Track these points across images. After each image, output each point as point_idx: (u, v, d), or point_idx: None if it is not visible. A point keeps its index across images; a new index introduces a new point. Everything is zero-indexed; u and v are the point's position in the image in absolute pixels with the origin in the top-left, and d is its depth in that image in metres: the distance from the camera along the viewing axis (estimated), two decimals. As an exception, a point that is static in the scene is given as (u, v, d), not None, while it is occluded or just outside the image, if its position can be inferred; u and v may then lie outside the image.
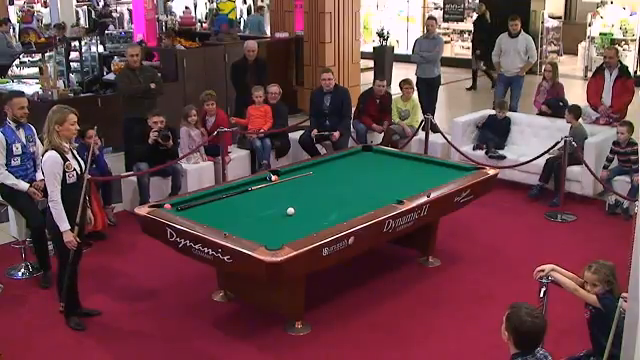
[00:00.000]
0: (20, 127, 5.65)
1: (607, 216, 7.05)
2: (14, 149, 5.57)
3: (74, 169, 4.67)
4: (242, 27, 16.62)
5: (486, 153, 7.94)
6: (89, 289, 5.60)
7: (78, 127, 4.78)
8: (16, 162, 5.60)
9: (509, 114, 8.48)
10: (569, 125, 7.48)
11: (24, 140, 5.65)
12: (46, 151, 4.60)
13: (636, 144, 6.92)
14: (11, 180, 5.54)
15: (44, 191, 5.18)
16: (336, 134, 8.02)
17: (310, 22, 11.36)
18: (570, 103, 8.31)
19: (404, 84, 8.74)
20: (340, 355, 4.58)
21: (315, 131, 8.11)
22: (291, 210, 4.99)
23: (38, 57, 12.36)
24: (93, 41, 11.90)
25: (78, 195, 4.65)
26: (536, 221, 6.97)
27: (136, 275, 5.79)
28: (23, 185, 5.57)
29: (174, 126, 7.43)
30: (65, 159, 4.61)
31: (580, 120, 7.59)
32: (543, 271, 3.72)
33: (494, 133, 8.21)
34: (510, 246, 6.34)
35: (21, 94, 6.10)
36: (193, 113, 7.57)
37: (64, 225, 4.60)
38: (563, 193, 7.08)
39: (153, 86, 7.77)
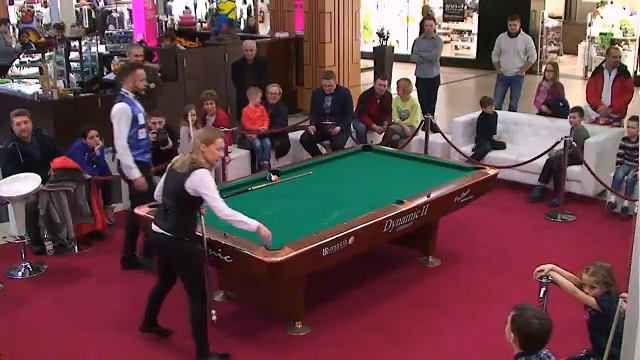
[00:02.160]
0: (135, 99, 5.57)
1: (607, 216, 7.05)
2: (140, 118, 5.49)
3: None
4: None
5: (474, 156, 7.94)
6: (89, 289, 5.61)
7: (222, 155, 4.42)
8: (143, 135, 5.56)
9: (507, 113, 8.48)
10: (570, 126, 7.47)
11: (144, 115, 5.64)
12: (195, 169, 4.11)
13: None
14: (129, 163, 5.45)
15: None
16: (337, 128, 8.02)
17: (310, 22, 11.36)
18: (570, 103, 8.32)
19: (397, 84, 8.74)
20: (340, 355, 4.58)
21: (314, 127, 8.12)
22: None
23: (38, 57, 12.35)
24: (93, 41, 11.88)
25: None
26: (536, 221, 6.97)
27: (136, 275, 5.78)
28: (136, 172, 5.48)
29: (174, 126, 7.43)
30: None
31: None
32: (542, 271, 3.72)
33: (488, 130, 8.20)
34: (510, 246, 6.33)
35: (140, 66, 5.97)
36: (193, 113, 7.56)
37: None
38: (563, 193, 7.08)
39: (152, 86, 7.77)
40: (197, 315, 4.32)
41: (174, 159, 4.37)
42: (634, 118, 7.02)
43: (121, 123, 5.42)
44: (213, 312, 4.45)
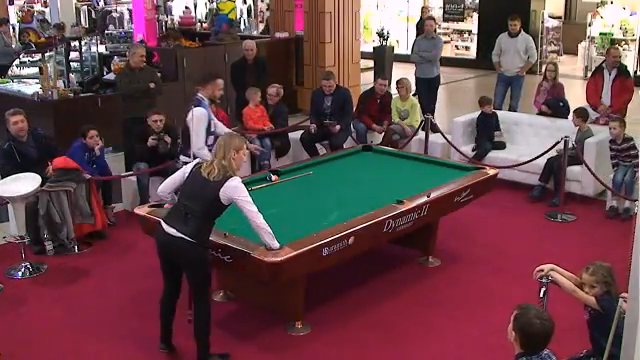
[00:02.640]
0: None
1: (607, 216, 7.05)
2: (211, 125, 5.79)
3: None
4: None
5: (475, 156, 7.95)
6: (89, 289, 5.61)
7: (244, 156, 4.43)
8: (210, 141, 5.72)
9: (507, 113, 8.47)
10: (572, 126, 7.45)
11: (213, 120, 5.87)
12: (229, 178, 4.12)
13: (632, 139, 6.91)
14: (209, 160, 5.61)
15: None
16: (337, 126, 8.03)
17: (310, 22, 11.36)
18: (570, 103, 8.32)
19: (397, 84, 8.75)
20: (340, 355, 4.58)
21: (314, 126, 8.12)
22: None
23: (38, 57, 12.36)
24: (93, 41, 11.88)
25: None
26: (536, 221, 6.97)
27: (136, 275, 5.79)
28: None
29: (174, 125, 7.43)
30: None
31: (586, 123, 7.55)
32: (542, 271, 3.72)
33: (487, 130, 8.20)
34: (510, 246, 6.33)
35: (220, 76, 6.14)
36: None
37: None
38: (563, 193, 7.08)
39: (152, 86, 7.77)
40: (205, 316, 4.31)
41: (200, 164, 4.29)
42: (616, 119, 7.03)
43: (200, 126, 5.71)
44: (190, 312, 4.46)
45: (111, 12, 18.25)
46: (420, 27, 11.37)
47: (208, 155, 5.40)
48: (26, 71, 11.93)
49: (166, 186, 4.45)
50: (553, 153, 7.25)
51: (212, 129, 5.87)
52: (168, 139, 7.07)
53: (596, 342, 3.66)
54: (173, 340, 4.56)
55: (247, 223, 4.79)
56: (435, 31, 10.70)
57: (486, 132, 8.19)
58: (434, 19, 11.08)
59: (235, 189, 4.11)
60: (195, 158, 5.49)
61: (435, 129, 8.14)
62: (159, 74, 8.95)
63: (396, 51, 15.54)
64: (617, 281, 3.64)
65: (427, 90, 10.16)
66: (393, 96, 8.89)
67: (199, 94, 5.85)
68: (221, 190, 4.09)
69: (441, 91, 10.75)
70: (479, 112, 8.36)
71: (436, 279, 5.69)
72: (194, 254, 4.18)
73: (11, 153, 6.33)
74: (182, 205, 4.22)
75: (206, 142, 5.79)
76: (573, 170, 7.18)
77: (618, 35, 15.03)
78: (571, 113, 7.81)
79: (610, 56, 8.39)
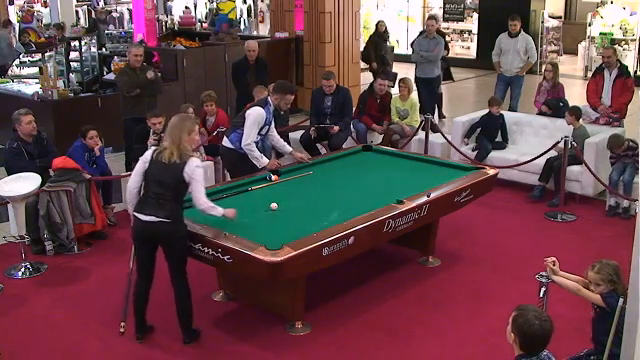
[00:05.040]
0: (272, 116, 6.08)
1: (607, 216, 7.05)
2: (264, 130, 6.04)
3: None
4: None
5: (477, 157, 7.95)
6: (89, 289, 5.61)
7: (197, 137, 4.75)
8: (257, 138, 6.02)
9: (507, 113, 8.47)
10: (571, 127, 7.47)
11: (270, 126, 6.11)
12: (188, 159, 4.41)
13: (637, 146, 6.90)
14: (256, 155, 5.95)
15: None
16: (335, 127, 8.03)
17: (310, 22, 11.36)
18: (570, 103, 8.31)
19: (401, 83, 8.75)
20: (340, 355, 4.58)
21: (314, 130, 8.12)
22: (274, 205, 5.09)
23: (38, 57, 12.37)
24: (93, 41, 11.90)
25: None
26: (536, 221, 6.97)
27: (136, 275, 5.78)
28: (265, 160, 5.98)
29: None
30: None
31: (580, 121, 7.58)
32: (550, 264, 3.74)
33: (491, 130, 8.20)
34: (510, 246, 6.33)
35: (293, 91, 6.31)
36: (190, 112, 7.57)
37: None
38: (563, 193, 7.08)
39: (150, 75, 7.75)
40: (187, 292, 4.62)
41: (155, 151, 4.54)
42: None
43: (254, 125, 5.94)
44: (122, 324, 4.72)
45: (111, 12, 18.28)
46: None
47: (255, 152, 5.95)
48: (26, 71, 11.94)
49: (134, 181, 4.62)
50: (553, 153, 7.25)
51: (264, 132, 6.08)
52: None
53: (599, 340, 3.66)
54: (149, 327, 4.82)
55: (247, 223, 4.83)
56: (436, 31, 10.67)
57: (488, 132, 8.18)
58: (435, 19, 11.07)
59: (196, 169, 4.44)
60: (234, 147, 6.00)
61: (435, 129, 8.14)
62: (159, 74, 8.96)
63: (396, 51, 15.54)
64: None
65: (427, 90, 10.15)
66: (393, 96, 8.89)
67: (269, 97, 6.10)
68: (184, 171, 4.40)
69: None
70: (480, 112, 8.35)
71: (436, 279, 5.69)
72: (176, 232, 4.49)
73: (21, 153, 6.43)
74: (152, 193, 4.48)
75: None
76: (573, 170, 7.18)
77: (618, 35, 15.02)
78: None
79: (603, 57, 8.43)
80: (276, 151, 8.13)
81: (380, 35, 13.23)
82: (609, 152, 7.08)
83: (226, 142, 6.21)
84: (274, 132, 6.28)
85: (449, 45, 12.43)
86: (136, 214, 4.52)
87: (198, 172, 4.44)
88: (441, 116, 10.83)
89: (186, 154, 4.43)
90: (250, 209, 5.17)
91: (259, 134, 6.05)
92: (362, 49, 13.02)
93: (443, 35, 11.44)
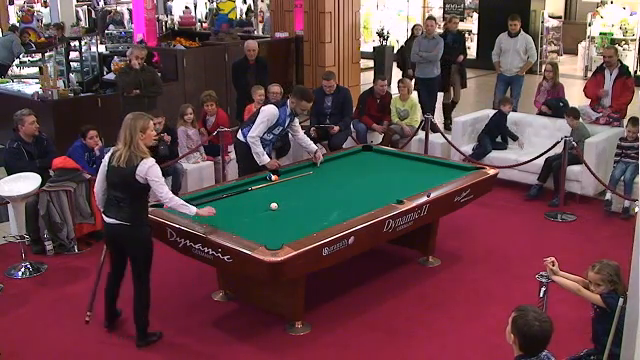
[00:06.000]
0: (289, 118, 6.14)
1: (607, 216, 7.05)
2: (275, 130, 6.10)
3: None
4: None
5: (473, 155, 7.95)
6: (89, 289, 5.60)
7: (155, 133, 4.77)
8: (269, 137, 6.13)
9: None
10: (570, 127, 7.47)
11: (284, 127, 6.16)
12: (141, 159, 4.34)
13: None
14: (258, 150, 5.98)
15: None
16: (336, 128, 8.03)
17: (310, 22, 11.35)
18: (570, 103, 8.31)
19: (400, 83, 8.74)
20: (340, 355, 4.58)
21: (314, 130, 8.11)
22: (274, 205, 5.08)
23: (38, 57, 12.37)
24: (93, 41, 11.89)
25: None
26: (536, 221, 6.97)
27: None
28: (265, 158, 5.99)
29: (174, 126, 7.44)
30: None
31: (580, 119, 7.58)
32: (553, 264, 3.74)
33: (500, 130, 8.19)
34: (510, 246, 6.33)
35: (310, 98, 6.30)
36: (189, 112, 7.59)
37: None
38: (563, 193, 7.08)
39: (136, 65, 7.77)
40: (146, 297, 4.59)
41: (109, 156, 4.50)
42: (635, 122, 7.01)
43: (264, 121, 6.01)
44: (88, 314, 4.85)
45: (111, 12, 18.28)
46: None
47: (258, 147, 5.99)
48: (26, 71, 11.94)
49: (98, 185, 4.63)
50: (553, 153, 7.24)
51: (277, 132, 6.17)
52: (167, 138, 7.09)
53: (599, 339, 3.67)
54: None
55: (247, 223, 4.84)
56: (435, 31, 10.65)
57: (495, 131, 8.18)
58: (435, 19, 11.05)
59: (149, 169, 4.35)
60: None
61: (435, 129, 8.14)
62: (159, 74, 8.96)
63: (396, 51, 15.52)
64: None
65: (427, 90, 10.14)
66: (393, 96, 8.89)
67: (289, 100, 6.14)
68: (136, 173, 4.33)
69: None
70: (480, 112, 8.35)
71: (436, 279, 5.69)
72: (136, 234, 4.47)
73: (21, 153, 6.43)
74: (112, 196, 4.49)
75: (264, 135, 6.07)
76: (573, 170, 7.18)
77: (618, 35, 15.02)
78: None
79: (604, 56, 8.42)
80: (277, 151, 8.16)
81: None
82: (617, 144, 7.08)
83: (239, 135, 6.30)
84: (300, 131, 6.38)
85: (467, 49, 11.21)
86: (103, 215, 4.60)
87: (153, 171, 4.34)
88: (447, 126, 10.49)
89: (138, 155, 4.34)
90: (250, 209, 5.17)
91: (272, 133, 6.13)
92: (395, 53, 12.61)
93: (462, 36, 11.31)
